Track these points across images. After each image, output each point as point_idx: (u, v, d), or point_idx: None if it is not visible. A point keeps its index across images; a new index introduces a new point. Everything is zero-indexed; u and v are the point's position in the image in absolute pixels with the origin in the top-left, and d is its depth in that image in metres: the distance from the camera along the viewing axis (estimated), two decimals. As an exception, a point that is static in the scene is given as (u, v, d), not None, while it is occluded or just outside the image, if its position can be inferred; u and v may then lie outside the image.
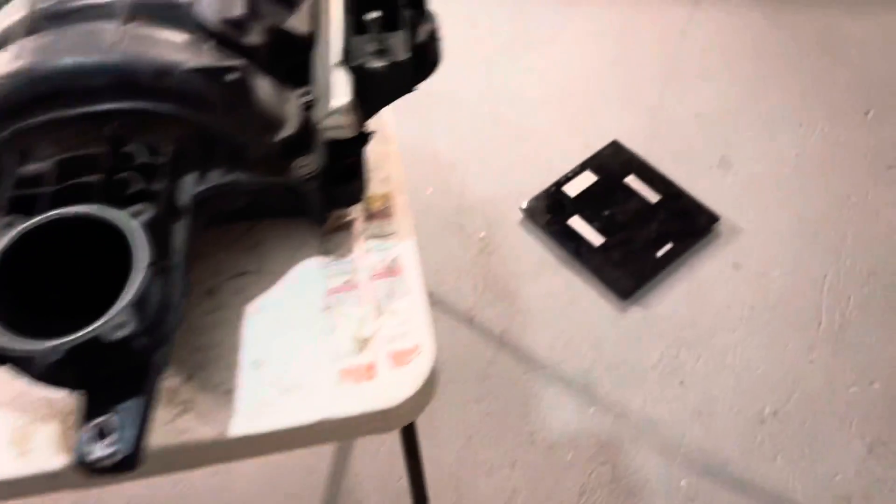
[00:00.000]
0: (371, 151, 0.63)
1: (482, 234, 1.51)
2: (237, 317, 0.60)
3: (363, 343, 0.58)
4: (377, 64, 0.57)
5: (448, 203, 1.55)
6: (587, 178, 1.55)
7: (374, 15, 0.57)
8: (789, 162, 1.59)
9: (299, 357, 0.58)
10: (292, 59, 0.58)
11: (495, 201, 1.55)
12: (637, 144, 1.61)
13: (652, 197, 1.52)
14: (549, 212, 1.51)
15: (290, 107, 0.56)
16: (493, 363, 1.36)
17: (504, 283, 1.45)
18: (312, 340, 0.58)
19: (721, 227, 1.49)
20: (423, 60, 0.59)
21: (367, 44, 0.58)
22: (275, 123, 0.55)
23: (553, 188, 1.54)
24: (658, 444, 1.26)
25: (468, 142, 1.65)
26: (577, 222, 1.49)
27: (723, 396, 1.30)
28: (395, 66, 0.57)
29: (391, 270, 0.62)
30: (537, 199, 1.53)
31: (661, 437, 1.26)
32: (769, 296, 1.41)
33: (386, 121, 0.70)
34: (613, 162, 1.58)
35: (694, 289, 1.42)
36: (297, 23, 0.59)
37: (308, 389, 0.56)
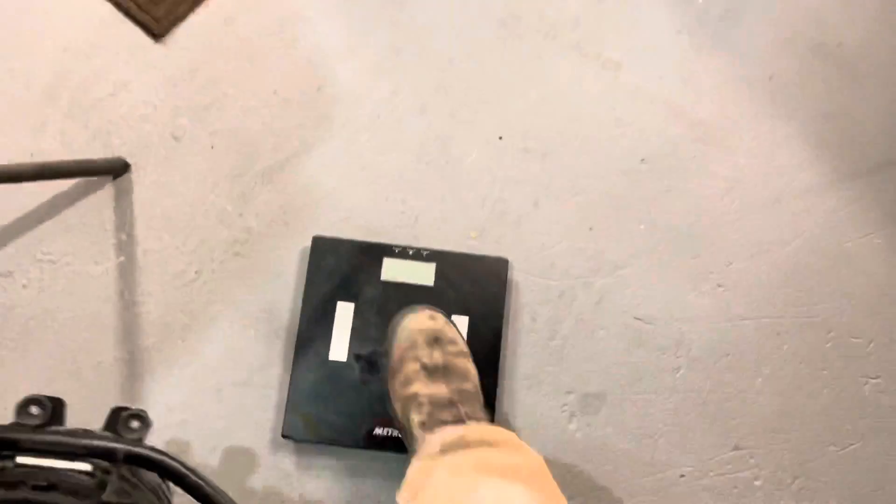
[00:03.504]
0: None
1: (212, 261, 1.02)
2: None
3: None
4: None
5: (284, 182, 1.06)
6: (424, 272, 0.96)
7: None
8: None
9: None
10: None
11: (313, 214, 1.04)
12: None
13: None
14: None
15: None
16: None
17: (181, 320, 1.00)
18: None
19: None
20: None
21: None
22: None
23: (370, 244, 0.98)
24: None
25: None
26: (343, 312, 0.94)
27: None
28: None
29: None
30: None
31: None
32: None
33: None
34: (485, 278, 0.95)
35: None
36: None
37: None
